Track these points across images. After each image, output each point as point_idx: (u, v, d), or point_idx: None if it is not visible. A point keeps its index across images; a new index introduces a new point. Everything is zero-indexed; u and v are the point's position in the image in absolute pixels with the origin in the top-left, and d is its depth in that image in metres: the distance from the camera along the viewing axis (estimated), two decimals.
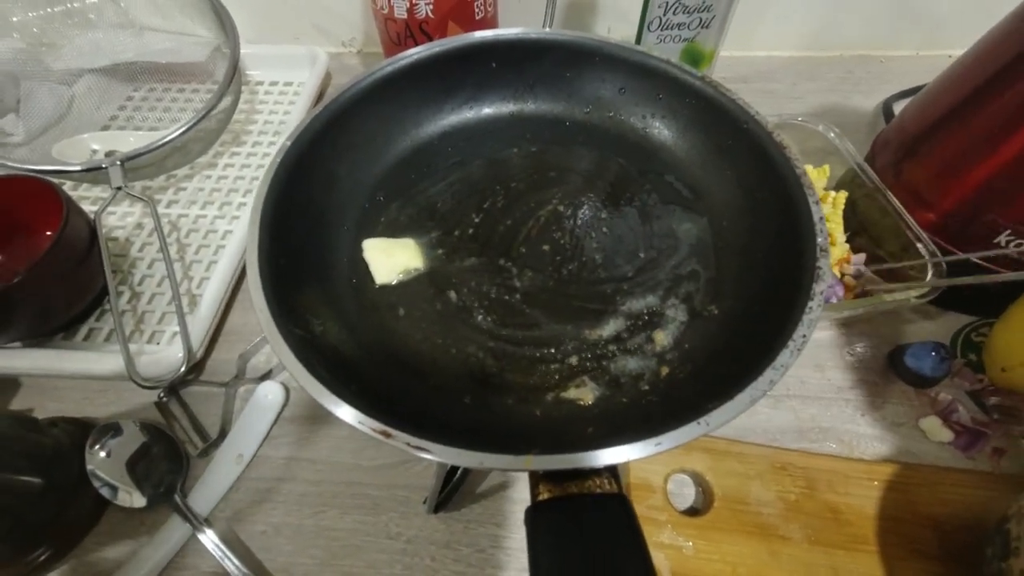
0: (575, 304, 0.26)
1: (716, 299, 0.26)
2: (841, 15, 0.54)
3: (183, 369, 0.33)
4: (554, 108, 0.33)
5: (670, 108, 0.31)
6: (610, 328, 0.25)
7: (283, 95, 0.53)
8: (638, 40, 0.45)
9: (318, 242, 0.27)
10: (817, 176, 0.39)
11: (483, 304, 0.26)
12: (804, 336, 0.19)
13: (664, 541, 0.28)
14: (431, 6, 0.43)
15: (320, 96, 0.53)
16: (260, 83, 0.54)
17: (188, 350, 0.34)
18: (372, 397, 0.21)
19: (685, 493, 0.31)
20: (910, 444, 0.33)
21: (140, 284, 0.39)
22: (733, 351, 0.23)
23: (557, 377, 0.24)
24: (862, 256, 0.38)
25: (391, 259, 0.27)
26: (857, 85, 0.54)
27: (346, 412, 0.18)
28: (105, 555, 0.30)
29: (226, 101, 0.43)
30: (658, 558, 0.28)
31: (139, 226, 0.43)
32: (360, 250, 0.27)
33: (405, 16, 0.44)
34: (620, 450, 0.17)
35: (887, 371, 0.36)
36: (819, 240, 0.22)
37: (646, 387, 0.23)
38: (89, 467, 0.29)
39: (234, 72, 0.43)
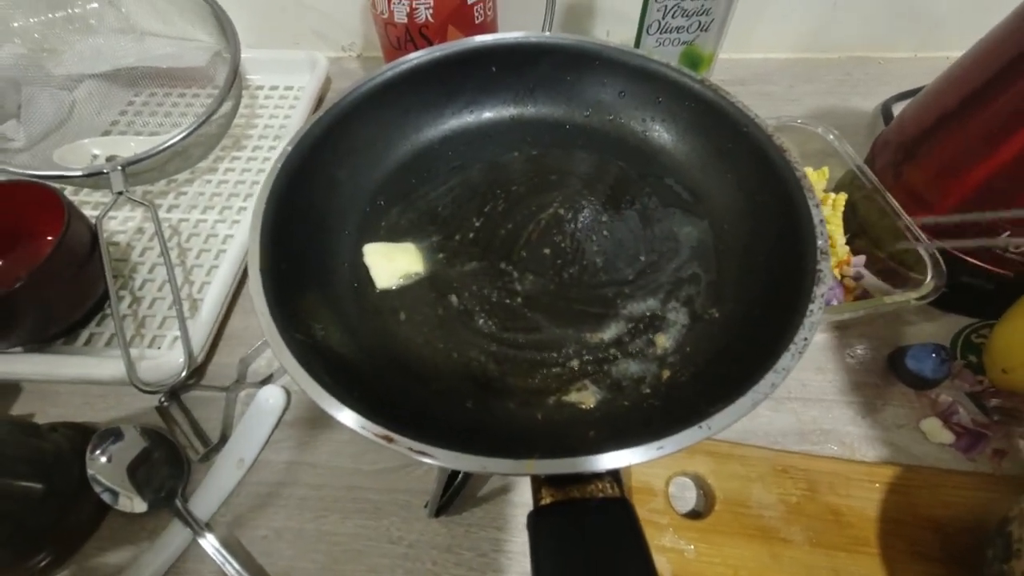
0: (576, 308, 0.26)
1: (717, 302, 0.26)
2: (839, 17, 0.54)
3: (184, 374, 0.33)
4: (554, 112, 0.34)
5: (670, 111, 0.31)
6: (611, 331, 0.25)
7: (283, 100, 0.53)
8: (637, 43, 0.45)
9: (319, 247, 0.27)
10: (817, 178, 0.40)
11: (484, 308, 0.26)
12: (805, 339, 0.19)
13: (666, 544, 0.28)
14: (431, 10, 0.43)
15: (320, 101, 0.53)
16: (260, 88, 0.55)
17: (189, 355, 0.34)
18: (374, 401, 0.21)
19: (687, 496, 0.31)
20: (911, 446, 0.33)
21: (141, 289, 0.39)
22: (734, 354, 0.23)
23: (558, 381, 0.24)
24: (862, 258, 0.38)
25: (392, 263, 0.27)
26: (855, 87, 0.54)
27: (348, 417, 0.18)
28: (106, 560, 0.29)
29: (227, 106, 0.43)
30: (660, 562, 0.28)
31: (140, 231, 0.43)
32: (361, 254, 0.27)
33: (405, 20, 0.44)
34: (622, 454, 0.17)
35: (887, 373, 0.36)
36: (820, 243, 0.22)
37: (648, 390, 0.23)
38: (90, 472, 0.29)
39: (235, 77, 0.43)
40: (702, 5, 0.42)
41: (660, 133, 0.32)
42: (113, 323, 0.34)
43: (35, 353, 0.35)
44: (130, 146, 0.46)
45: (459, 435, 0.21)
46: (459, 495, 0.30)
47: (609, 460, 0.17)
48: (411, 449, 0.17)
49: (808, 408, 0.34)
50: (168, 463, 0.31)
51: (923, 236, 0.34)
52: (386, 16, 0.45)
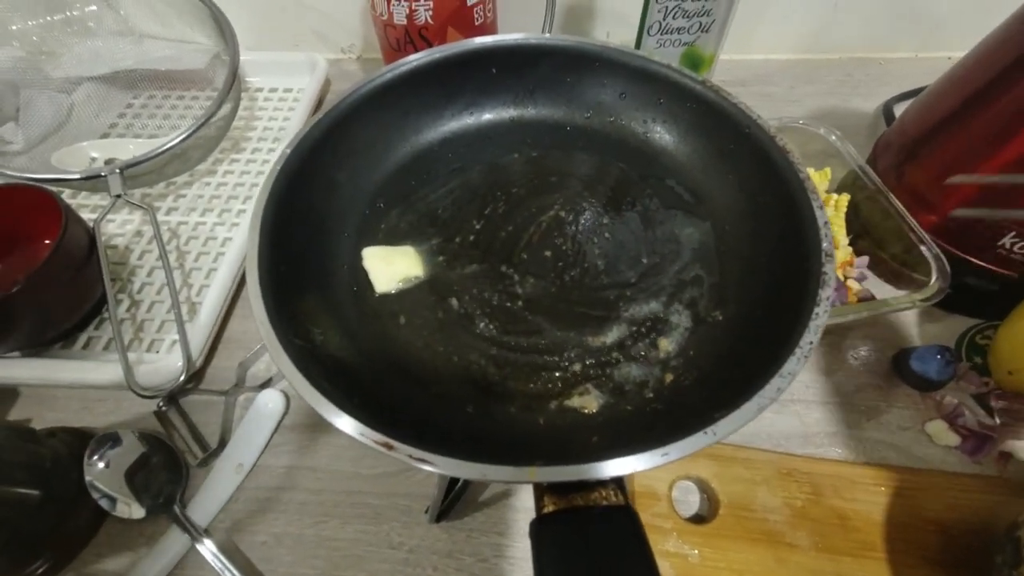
0: (578, 311, 0.26)
1: (720, 305, 0.26)
2: (839, 17, 0.54)
3: (182, 378, 0.33)
4: (554, 113, 0.33)
5: (671, 113, 0.31)
6: (613, 335, 0.25)
7: (283, 102, 0.53)
8: (638, 45, 0.45)
9: (318, 249, 0.27)
10: (819, 179, 0.39)
11: (485, 311, 0.26)
12: (811, 343, 0.19)
13: (669, 549, 0.28)
14: (431, 12, 0.43)
15: (320, 102, 0.53)
16: (260, 90, 0.54)
17: (187, 359, 0.34)
18: (374, 406, 0.20)
19: (690, 500, 0.31)
20: (916, 449, 0.32)
21: (139, 292, 0.39)
22: (738, 357, 0.23)
23: (560, 385, 0.23)
24: (865, 259, 0.37)
25: (391, 267, 0.26)
26: (856, 88, 0.54)
27: (347, 423, 0.18)
28: (104, 567, 0.29)
29: (225, 108, 0.43)
30: (663, 567, 0.28)
31: (139, 234, 0.43)
32: (360, 257, 0.27)
33: (404, 22, 0.44)
34: (626, 461, 0.17)
35: (892, 375, 0.35)
36: (824, 245, 0.22)
37: (651, 395, 0.23)
38: (88, 478, 0.29)
39: (233, 79, 0.43)
40: (703, 6, 0.41)
41: (661, 134, 0.32)
42: (111, 327, 0.34)
43: (33, 358, 0.35)
44: (129, 149, 0.46)
45: (460, 440, 0.21)
46: (460, 500, 0.30)
47: (612, 467, 0.16)
48: (412, 457, 0.17)
49: (812, 410, 0.34)
50: (166, 468, 0.31)
51: (927, 237, 0.34)
52: (385, 18, 0.45)
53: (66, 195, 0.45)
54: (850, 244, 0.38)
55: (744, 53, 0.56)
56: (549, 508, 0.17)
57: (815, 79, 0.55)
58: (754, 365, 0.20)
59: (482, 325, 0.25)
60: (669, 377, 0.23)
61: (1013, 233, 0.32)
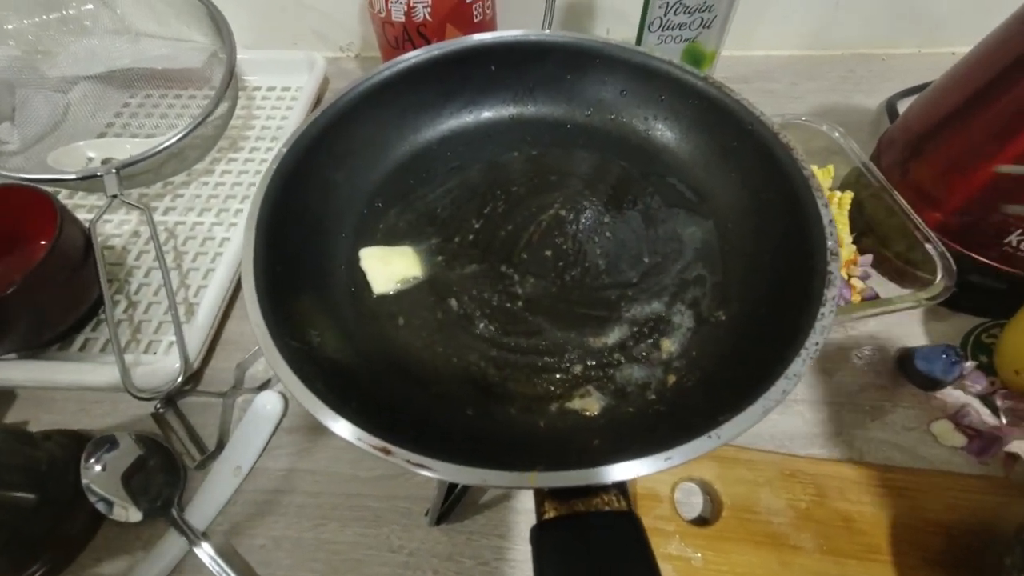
0: (579, 311, 0.25)
1: (723, 304, 0.25)
2: (841, 14, 0.54)
3: (180, 380, 0.33)
4: (555, 111, 0.33)
5: (673, 110, 0.31)
6: (615, 335, 0.24)
7: (280, 100, 0.53)
8: (638, 41, 0.44)
9: (315, 250, 0.26)
10: (822, 176, 0.39)
11: (484, 312, 0.25)
12: (817, 344, 0.19)
13: (672, 552, 0.28)
14: (429, 9, 0.43)
15: (318, 101, 0.53)
16: (258, 88, 0.54)
17: (184, 360, 0.33)
18: (372, 409, 0.20)
19: (693, 502, 0.30)
20: (921, 449, 0.32)
21: (137, 293, 0.39)
22: (742, 358, 0.23)
23: (561, 386, 0.23)
24: (869, 257, 0.37)
25: (389, 267, 0.26)
26: (858, 84, 0.54)
27: (344, 428, 0.17)
28: (101, 571, 0.29)
29: (223, 107, 0.43)
30: (666, 570, 0.27)
31: (136, 234, 0.42)
32: (358, 258, 0.27)
33: (403, 19, 0.44)
34: (628, 466, 0.16)
35: (896, 374, 0.35)
36: (829, 244, 0.22)
37: (653, 396, 0.23)
38: (84, 481, 0.28)
39: (230, 77, 0.42)
40: (704, 2, 0.41)
41: (663, 132, 0.31)
42: (108, 328, 0.34)
43: (29, 360, 0.34)
44: (125, 148, 0.45)
45: (460, 444, 0.20)
46: (460, 503, 0.30)
47: (614, 472, 0.16)
48: (410, 462, 0.17)
49: (816, 410, 0.34)
50: (164, 471, 0.30)
51: (932, 235, 0.33)
52: (383, 15, 0.44)
53: (63, 195, 0.45)
54: (854, 242, 0.37)
55: (746, 49, 0.56)
56: (550, 514, 0.16)
57: (817, 75, 0.55)
58: (758, 366, 0.20)
59: (482, 326, 0.25)
60: (672, 378, 0.23)
61: (1020, 231, 0.32)
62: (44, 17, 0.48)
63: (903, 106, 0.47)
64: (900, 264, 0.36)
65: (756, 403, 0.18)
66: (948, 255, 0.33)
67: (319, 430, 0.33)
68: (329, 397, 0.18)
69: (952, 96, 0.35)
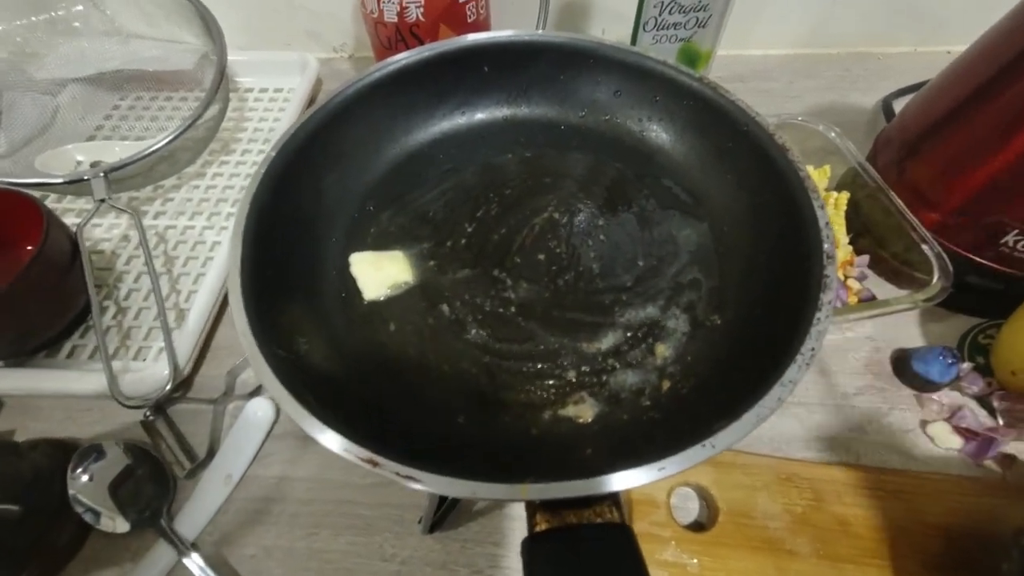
0: (572, 316, 0.25)
1: (719, 308, 0.25)
2: (838, 12, 0.53)
3: (169, 387, 0.32)
4: (548, 112, 0.33)
5: (667, 110, 0.30)
6: (609, 341, 0.24)
7: (273, 102, 0.52)
8: (633, 41, 0.44)
9: (305, 255, 0.26)
10: (818, 177, 0.39)
11: (477, 318, 0.25)
12: (812, 349, 0.19)
13: (668, 559, 0.27)
14: (422, 9, 0.42)
15: (311, 102, 0.52)
16: (250, 90, 0.53)
17: (174, 367, 0.33)
18: (361, 418, 0.20)
19: (689, 507, 0.30)
20: (918, 451, 0.32)
21: (126, 298, 0.38)
22: (737, 363, 0.22)
23: (554, 393, 0.23)
24: (866, 258, 0.37)
25: (380, 273, 0.26)
26: (855, 83, 0.53)
27: (331, 439, 0.17)
28: None
29: (214, 109, 0.42)
30: None
31: (126, 238, 0.42)
32: (349, 263, 0.26)
33: (395, 20, 0.43)
34: (621, 476, 0.16)
35: (893, 376, 0.35)
36: (825, 246, 0.21)
37: (647, 403, 0.22)
38: (71, 492, 0.28)
39: (221, 79, 0.42)
40: (699, 1, 0.41)
41: (658, 133, 0.31)
42: (95, 335, 0.33)
43: (15, 368, 0.34)
44: (115, 151, 0.45)
45: (451, 452, 0.20)
46: (454, 510, 0.29)
47: (606, 484, 0.16)
48: (398, 474, 0.16)
49: (812, 413, 0.34)
50: (152, 480, 0.30)
51: (928, 235, 0.33)
52: (376, 15, 0.44)
53: (52, 199, 0.45)
54: (850, 243, 0.37)
55: (742, 48, 0.55)
56: (542, 526, 0.16)
57: (814, 74, 0.54)
58: (754, 371, 0.20)
59: (474, 332, 0.25)
60: (666, 384, 0.23)
61: (1016, 231, 0.31)
62: (32, 18, 0.47)
63: (899, 105, 0.47)
64: (897, 265, 0.36)
65: (751, 411, 0.17)
66: (944, 256, 0.32)
67: (311, 437, 0.33)
68: (317, 407, 0.18)
69: (948, 95, 0.35)
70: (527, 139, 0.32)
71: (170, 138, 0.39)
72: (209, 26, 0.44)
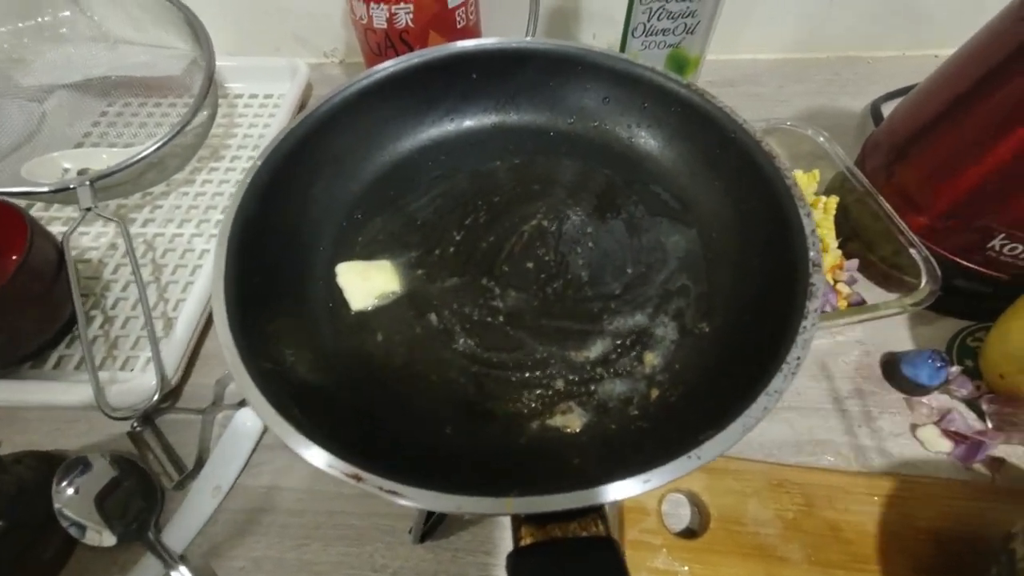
0: (561, 325, 0.25)
1: (707, 315, 0.25)
2: (827, 16, 0.54)
3: (156, 397, 0.32)
4: (537, 119, 0.33)
5: (656, 117, 0.30)
6: (597, 349, 0.24)
7: (263, 108, 0.52)
8: (622, 47, 0.44)
9: (292, 265, 0.26)
10: (807, 181, 0.39)
11: (465, 327, 0.25)
12: (799, 358, 0.19)
13: (659, 567, 0.27)
14: (411, 15, 0.42)
15: (301, 108, 0.52)
16: (240, 96, 0.53)
17: (161, 376, 0.32)
18: (347, 430, 0.20)
19: (680, 513, 0.30)
20: (908, 455, 0.32)
21: (114, 308, 0.38)
22: (725, 370, 0.22)
23: (542, 403, 0.23)
24: (855, 262, 0.37)
25: (367, 283, 0.25)
26: (844, 87, 0.54)
27: (316, 455, 0.17)
28: None
29: (202, 115, 0.42)
30: None
31: (113, 246, 0.41)
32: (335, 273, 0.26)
33: (385, 26, 0.43)
34: (606, 489, 0.16)
35: (883, 379, 0.35)
36: (811, 255, 0.21)
37: (636, 412, 0.22)
38: (56, 505, 0.28)
39: (209, 85, 0.41)
40: (687, 7, 0.41)
41: (646, 139, 0.31)
42: (82, 345, 0.33)
43: (0, 379, 0.33)
44: (102, 158, 0.44)
45: (438, 463, 0.20)
46: (444, 519, 0.29)
47: (592, 496, 0.16)
48: (382, 489, 0.16)
49: (803, 418, 0.34)
50: (140, 493, 0.30)
51: (916, 240, 0.33)
52: (365, 22, 0.43)
53: (39, 208, 0.44)
54: (840, 247, 0.37)
55: (732, 53, 0.56)
56: (527, 540, 0.16)
57: (804, 78, 0.55)
58: (742, 377, 0.20)
59: (462, 341, 0.24)
60: (655, 392, 0.23)
61: (1003, 235, 0.32)
62: (19, 24, 0.47)
63: (887, 109, 0.47)
64: (886, 268, 0.36)
65: (737, 420, 0.17)
66: (932, 260, 0.33)
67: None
68: (302, 420, 0.18)
69: (936, 99, 0.35)
70: (516, 146, 0.32)
71: (158, 145, 0.38)
72: (197, 31, 0.44)
